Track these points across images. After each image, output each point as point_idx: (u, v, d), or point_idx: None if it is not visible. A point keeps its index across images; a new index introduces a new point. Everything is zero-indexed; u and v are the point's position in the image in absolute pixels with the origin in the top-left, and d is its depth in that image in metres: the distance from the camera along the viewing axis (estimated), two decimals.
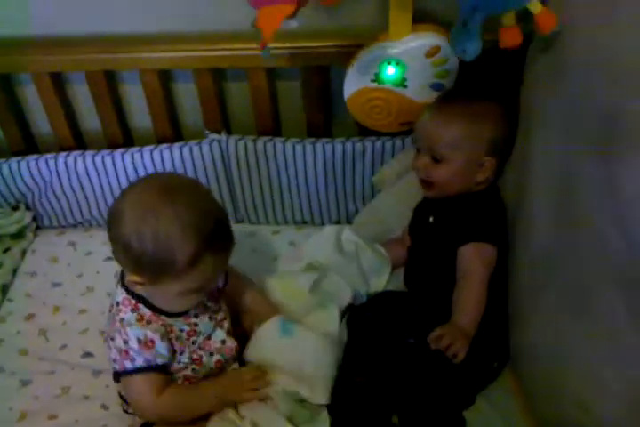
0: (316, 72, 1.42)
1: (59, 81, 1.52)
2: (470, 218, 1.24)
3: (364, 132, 1.44)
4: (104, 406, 1.23)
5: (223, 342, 1.15)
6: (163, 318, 1.08)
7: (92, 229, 1.62)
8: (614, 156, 0.84)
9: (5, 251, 1.55)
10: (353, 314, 1.26)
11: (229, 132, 1.52)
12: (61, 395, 1.26)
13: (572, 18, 0.99)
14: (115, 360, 1.07)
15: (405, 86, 1.31)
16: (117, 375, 1.10)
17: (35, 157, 1.54)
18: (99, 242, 1.56)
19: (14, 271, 1.52)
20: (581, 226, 0.93)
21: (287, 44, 1.34)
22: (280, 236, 1.56)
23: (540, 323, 1.08)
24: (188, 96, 1.54)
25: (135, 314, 1.07)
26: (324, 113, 1.51)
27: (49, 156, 1.53)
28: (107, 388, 1.25)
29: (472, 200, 1.26)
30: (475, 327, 1.14)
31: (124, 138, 1.59)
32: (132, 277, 1.02)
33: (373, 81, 1.31)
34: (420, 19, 1.25)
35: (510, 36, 1.00)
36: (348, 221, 1.54)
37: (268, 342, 1.15)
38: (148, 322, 1.07)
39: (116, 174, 1.52)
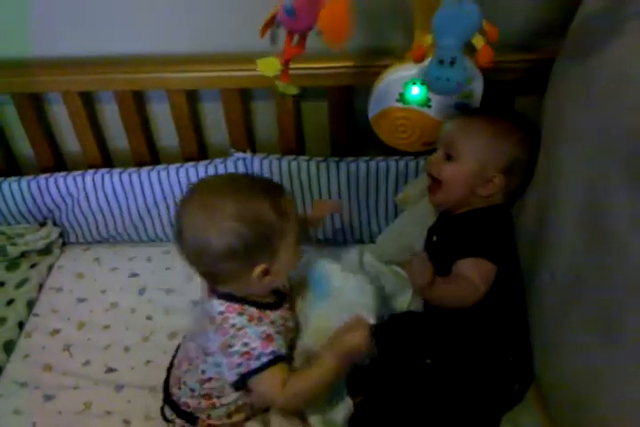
0: (341, 92, 1.44)
1: (88, 100, 1.55)
2: (470, 234, 1.23)
3: (388, 151, 1.45)
4: (126, 422, 1.24)
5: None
6: (268, 313, 1.10)
7: (117, 245, 1.64)
8: None
9: (32, 266, 1.57)
10: (371, 335, 1.25)
11: (254, 151, 1.53)
12: (84, 410, 1.27)
13: (602, 36, 1.00)
14: (239, 365, 1.06)
15: (430, 106, 1.32)
16: (241, 381, 1.08)
17: (63, 174, 1.56)
18: (123, 258, 1.58)
19: (40, 287, 1.53)
20: (610, 248, 0.91)
21: (313, 65, 1.36)
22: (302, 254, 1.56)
23: (566, 347, 1.06)
24: (214, 115, 1.56)
25: (245, 316, 1.08)
26: (348, 132, 1.52)
27: (77, 173, 1.55)
28: (129, 403, 1.27)
29: (474, 218, 1.26)
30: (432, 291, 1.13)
31: (151, 156, 1.61)
32: (255, 272, 1.04)
33: (398, 101, 1.32)
34: None
35: (484, 55, 1.04)
36: (371, 241, 1.54)
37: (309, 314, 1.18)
38: (259, 320, 1.08)
39: (143, 192, 1.54)
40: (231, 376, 1.08)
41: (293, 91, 1.18)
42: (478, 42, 1.03)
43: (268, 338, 1.07)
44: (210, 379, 1.12)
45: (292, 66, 1.34)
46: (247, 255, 1.02)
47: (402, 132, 1.36)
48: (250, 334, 1.06)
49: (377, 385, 1.17)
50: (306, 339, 1.17)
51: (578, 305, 1.02)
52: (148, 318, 1.44)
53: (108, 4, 1.39)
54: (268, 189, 1.06)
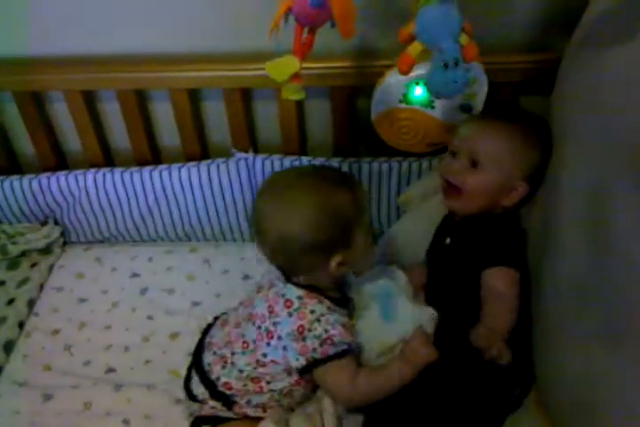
0: (344, 92, 1.43)
1: (90, 99, 1.54)
2: (494, 241, 1.21)
3: (391, 152, 1.44)
4: (125, 422, 1.23)
5: None
6: (340, 308, 1.12)
7: (118, 245, 1.63)
8: None
9: (33, 266, 1.57)
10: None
11: (256, 151, 1.53)
12: (84, 410, 1.26)
13: (609, 37, 0.99)
14: (314, 350, 1.07)
15: (433, 107, 1.31)
16: (308, 368, 1.09)
17: (64, 173, 1.56)
18: (125, 258, 1.58)
19: (41, 286, 1.53)
20: (613, 254, 0.90)
21: (316, 64, 1.35)
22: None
23: (568, 351, 1.05)
24: (216, 115, 1.55)
25: (324, 304, 1.10)
26: (351, 132, 1.51)
27: (78, 172, 1.55)
28: (128, 403, 1.26)
29: (492, 223, 1.24)
30: (508, 333, 1.12)
31: (153, 155, 1.60)
32: (333, 263, 1.08)
33: (401, 102, 1.31)
34: None
35: (471, 51, 1.04)
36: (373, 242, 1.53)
37: (373, 331, 1.17)
38: (334, 310, 1.10)
39: (144, 191, 1.54)
40: (299, 361, 1.08)
41: (301, 95, 1.14)
42: (464, 39, 1.03)
43: (347, 328, 1.09)
44: (270, 362, 1.11)
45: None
46: (328, 246, 1.06)
47: (405, 133, 1.35)
48: (332, 320, 1.08)
49: None
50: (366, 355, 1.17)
51: (580, 311, 1.01)
52: (149, 318, 1.43)
53: (111, 3, 1.39)
54: (345, 180, 1.11)
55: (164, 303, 1.46)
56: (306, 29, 1.07)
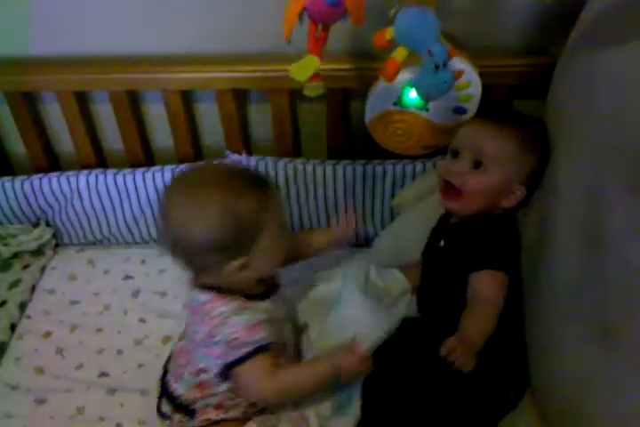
0: (338, 94, 1.42)
1: (82, 100, 1.53)
2: (485, 244, 1.21)
3: (385, 154, 1.44)
4: (118, 426, 1.23)
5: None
6: (254, 303, 1.10)
7: (111, 246, 1.62)
8: None
9: (25, 267, 1.56)
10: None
11: (250, 153, 1.52)
12: (76, 414, 1.25)
13: (605, 40, 0.99)
14: (223, 354, 1.06)
15: (428, 110, 1.31)
16: (225, 372, 1.08)
17: (56, 174, 1.54)
18: (118, 260, 1.57)
19: (33, 288, 1.52)
20: (609, 258, 0.91)
21: None
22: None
23: (563, 354, 1.05)
24: (209, 116, 1.55)
25: (232, 304, 1.07)
26: (345, 134, 1.51)
27: (70, 173, 1.54)
28: (121, 407, 1.26)
29: (486, 226, 1.23)
30: (482, 342, 1.10)
31: (146, 157, 1.60)
32: (233, 265, 1.04)
33: (396, 104, 1.31)
34: None
35: (452, 51, 1.07)
36: (367, 244, 1.52)
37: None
38: (244, 309, 1.08)
39: (137, 193, 1.53)
40: (216, 367, 1.08)
41: (321, 90, 1.16)
42: (444, 42, 1.05)
43: (253, 328, 1.06)
44: (202, 370, 1.11)
45: (288, 67, 1.33)
46: (227, 249, 1.03)
47: (399, 135, 1.35)
48: (234, 323, 1.06)
49: (372, 393, 1.15)
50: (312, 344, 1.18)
51: (576, 314, 1.01)
52: (142, 320, 1.43)
53: (103, 4, 1.38)
54: (255, 183, 1.06)
55: (157, 306, 1.45)
56: (319, 26, 1.08)
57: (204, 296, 1.09)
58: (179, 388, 1.15)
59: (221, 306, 1.07)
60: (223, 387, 1.12)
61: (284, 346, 1.15)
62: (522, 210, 1.26)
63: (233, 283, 1.09)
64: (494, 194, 1.21)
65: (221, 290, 1.09)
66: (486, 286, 1.15)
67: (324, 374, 1.09)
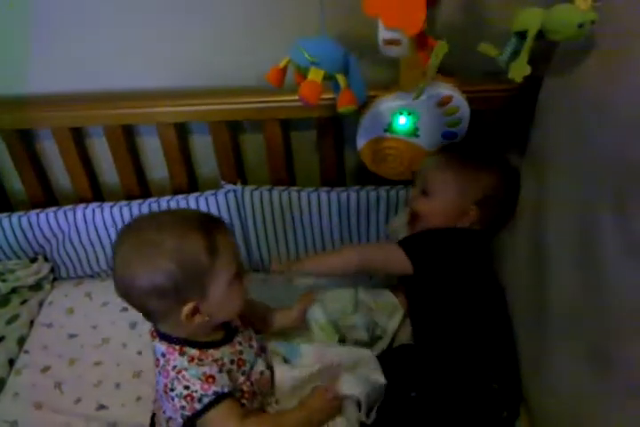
0: (329, 122, 1.44)
1: (78, 135, 1.55)
2: (423, 235, 1.30)
3: (378, 180, 1.45)
4: None
5: (262, 373, 1.14)
6: (211, 352, 1.08)
7: (108, 279, 1.62)
8: (632, 209, 0.84)
9: (23, 302, 1.56)
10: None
11: (245, 183, 1.53)
12: None
13: (587, 62, 1.01)
14: (182, 408, 1.04)
15: (418, 136, 1.33)
16: (188, 424, 1.07)
17: (54, 209, 1.56)
18: (115, 293, 1.56)
19: (31, 323, 1.52)
20: (603, 279, 0.91)
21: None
22: (294, 284, 1.54)
23: (558, 375, 1.05)
24: (203, 148, 1.56)
25: (185, 357, 1.06)
26: (338, 161, 1.52)
27: (67, 208, 1.55)
28: None
29: (444, 231, 1.30)
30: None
31: (141, 189, 1.61)
32: (185, 311, 1.01)
33: (386, 131, 1.33)
34: None
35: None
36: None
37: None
38: (200, 360, 1.06)
39: None
40: (180, 417, 1.06)
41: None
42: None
43: (209, 379, 1.04)
44: (172, 418, 1.09)
45: (279, 98, 1.36)
46: (175, 294, 1.00)
47: (390, 161, 1.37)
48: (189, 376, 1.04)
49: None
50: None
51: (571, 335, 1.01)
52: (139, 353, 1.42)
53: (96, 41, 1.40)
54: (204, 224, 1.03)
55: None
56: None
57: (162, 348, 1.08)
58: None
59: (175, 360, 1.06)
60: None
61: (251, 391, 1.12)
62: (507, 231, 1.30)
63: (188, 332, 1.07)
64: (444, 216, 1.30)
65: (177, 341, 1.07)
66: (386, 251, 1.28)
67: (296, 420, 1.08)
